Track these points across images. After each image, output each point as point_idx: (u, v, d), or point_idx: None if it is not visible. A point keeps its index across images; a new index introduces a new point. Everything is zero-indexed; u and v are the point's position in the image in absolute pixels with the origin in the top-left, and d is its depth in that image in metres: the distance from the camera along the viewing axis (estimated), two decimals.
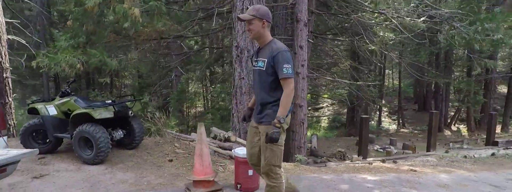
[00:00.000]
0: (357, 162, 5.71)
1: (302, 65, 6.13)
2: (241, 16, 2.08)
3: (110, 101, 3.82)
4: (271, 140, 1.92)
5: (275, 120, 1.95)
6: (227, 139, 4.39)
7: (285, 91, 2.00)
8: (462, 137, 13.20)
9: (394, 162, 5.62)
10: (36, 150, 2.54)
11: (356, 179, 3.74)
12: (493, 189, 3.63)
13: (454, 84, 15.24)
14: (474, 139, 12.35)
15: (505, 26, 7.51)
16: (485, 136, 10.15)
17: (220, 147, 4.27)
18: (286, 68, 1.98)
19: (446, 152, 7.20)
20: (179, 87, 11.10)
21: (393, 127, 16.93)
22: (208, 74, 13.89)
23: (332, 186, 3.41)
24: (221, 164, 3.79)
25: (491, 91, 14.39)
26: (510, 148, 7.69)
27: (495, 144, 8.58)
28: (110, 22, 5.64)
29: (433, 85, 15.86)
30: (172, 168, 3.65)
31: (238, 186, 2.98)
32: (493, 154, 6.34)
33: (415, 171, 4.49)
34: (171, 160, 3.86)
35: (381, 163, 5.35)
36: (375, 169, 4.50)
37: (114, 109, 3.50)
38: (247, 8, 4.65)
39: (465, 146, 9.62)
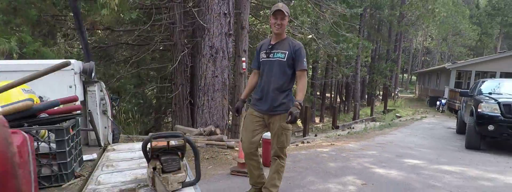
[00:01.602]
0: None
1: (246, 67, 6.91)
2: (284, 11, 2.25)
3: None
4: (295, 119, 2.14)
5: (297, 103, 2.16)
6: (212, 133, 4.73)
7: (303, 80, 2.30)
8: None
9: (303, 142, 7.13)
10: None
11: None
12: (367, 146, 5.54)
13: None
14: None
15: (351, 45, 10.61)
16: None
17: (210, 140, 4.59)
18: (305, 61, 2.31)
19: (315, 135, 9.59)
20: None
21: None
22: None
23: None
24: (226, 153, 4.19)
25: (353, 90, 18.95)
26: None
27: (337, 127, 12.00)
28: None
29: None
30: None
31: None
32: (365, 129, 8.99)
33: (332, 144, 6.11)
34: None
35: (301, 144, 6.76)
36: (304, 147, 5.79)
37: None
38: (225, 13, 5.15)
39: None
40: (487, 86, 7.49)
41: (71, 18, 6.17)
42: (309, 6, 7.25)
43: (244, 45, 6.84)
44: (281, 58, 2.28)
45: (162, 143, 1.21)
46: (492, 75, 15.43)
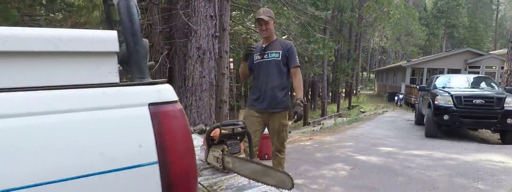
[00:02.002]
0: None
1: (227, 67, 7.16)
2: (265, 18, 2.38)
3: None
4: (301, 117, 2.34)
5: (298, 101, 2.32)
6: (202, 131, 4.94)
7: (298, 77, 2.46)
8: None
9: None
10: None
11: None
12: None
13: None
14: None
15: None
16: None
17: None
18: (297, 58, 2.47)
19: (289, 132, 10.19)
20: None
21: None
22: None
23: None
24: None
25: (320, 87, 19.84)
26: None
27: (308, 124, 12.74)
28: None
29: None
30: None
31: (265, 156, 3.90)
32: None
33: (311, 138, 6.62)
34: None
35: None
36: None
37: None
38: (211, 15, 5.36)
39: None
40: (440, 81, 8.46)
41: (47, 18, 5.99)
42: (285, 9, 7.69)
43: (226, 46, 7.08)
44: (276, 57, 2.42)
45: (225, 130, 1.47)
46: (441, 72, 17.10)
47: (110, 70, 0.71)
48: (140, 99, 0.72)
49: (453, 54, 17.18)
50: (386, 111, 14.34)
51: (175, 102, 0.77)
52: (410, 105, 15.62)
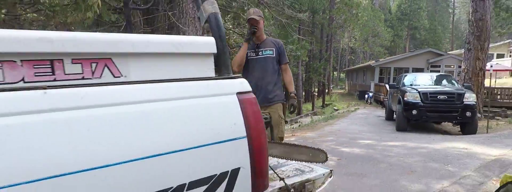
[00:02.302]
0: None
1: None
2: (256, 18, 2.53)
3: None
4: (296, 108, 2.82)
5: (292, 94, 2.61)
6: None
7: (289, 72, 2.68)
8: None
9: None
10: None
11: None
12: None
13: None
14: None
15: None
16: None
17: None
18: (286, 55, 2.72)
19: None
20: None
21: None
22: None
23: None
24: None
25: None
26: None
27: (286, 122, 13.19)
28: None
29: None
30: None
31: None
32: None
33: (294, 134, 6.97)
34: None
35: None
36: None
37: None
38: (199, 17, 5.51)
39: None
40: (408, 79, 9.16)
41: (26, 19, 5.83)
42: (266, 10, 7.98)
43: None
44: (270, 54, 2.60)
45: None
46: (406, 70, 18.27)
47: (209, 67, 0.93)
48: (230, 89, 0.95)
49: (416, 54, 18.43)
50: (358, 109, 15.12)
51: (250, 92, 1.00)
52: (379, 103, 16.55)
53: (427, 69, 17.92)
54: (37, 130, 0.64)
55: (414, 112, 7.31)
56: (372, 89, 18.43)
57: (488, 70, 9.65)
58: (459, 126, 7.89)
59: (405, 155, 4.04)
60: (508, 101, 13.81)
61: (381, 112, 12.40)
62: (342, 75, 43.42)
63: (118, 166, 0.71)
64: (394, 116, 8.81)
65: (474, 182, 2.98)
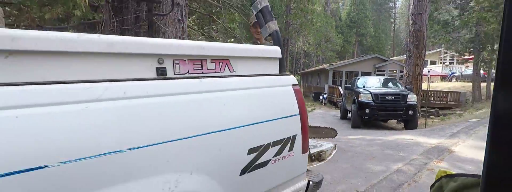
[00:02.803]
0: None
1: None
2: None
3: None
4: None
5: None
6: None
7: None
8: None
9: None
10: None
11: None
12: None
13: None
14: None
15: None
16: None
17: None
18: None
19: None
20: None
21: None
22: None
23: None
24: None
25: None
26: None
27: None
28: None
29: None
30: None
31: None
32: None
33: None
34: None
35: None
36: None
37: None
38: (179, 19, 5.74)
39: None
40: (360, 82, 10.24)
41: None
42: (236, 14, 8.40)
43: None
44: None
45: None
46: (356, 74, 19.94)
47: (276, 67, 1.37)
48: (288, 82, 1.39)
49: (365, 59, 20.21)
50: (314, 109, 16.19)
51: (297, 84, 1.45)
52: (333, 104, 17.85)
53: (374, 73, 19.74)
54: (198, 103, 1.03)
55: (367, 110, 8.29)
56: (326, 91, 19.76)
57: (426, 75, 11.12)
58: (402, 123, 9.09)
59: (366, 145, 4.76)
60: (439, 102, 15.88)
61: (336, 112, 13.50)
62: (297, 77, 45.31)
63: (240, 128, 1.11)
64: (349, 115, 9.81)
65: (421, 162, 3.74)
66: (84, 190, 0.75)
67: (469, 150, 4.33)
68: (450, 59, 27.96)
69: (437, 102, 15.86)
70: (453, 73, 24.23)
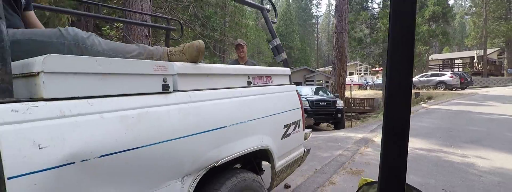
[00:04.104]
0: None
1: None
2: (242, 44, 4.16)
3: None
4: None
5: None
6: None
7: None
8: None
9: None
10: None
11: None
12: None
13: None
14: None
15: None
16: None
17: None
18: None
19: None
20: None
21: None
22: None
23: None
24: None
25: None
26: None
27: None
28: None
29: None
30: None
31: None
32: None
33: None
34: None
35: None
36: None
37: None
38: (146, 35, 6.24)
39: None
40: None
41: None
42: (190, 30, 9.10)
43: None
44: None
45: None
46: None
47: (287, 80, 2.32)
48: (293, 89, 2.35)
49: (296, 70, 22.41)
50: None
51: (296, 90, 2.43)
52: None
53: (304, 83, 22.03)
54: (262, 99, 1.91)
55: (305, 115, 9.72)
56: None
57: (349, 84, 13.24)
58: (332, 125, 10.81)
59: (312, 140, 5.96)
60: (358, 107, 18.60)
61: None
62: None
63: (280, 113, 2.03)
64: None
65: (354, 149, 5.04)
66: (238, 137, 1.59)
67: None
68: (364, 70, 32.52)
69: (356, 107, 18.53)
70: (367, 82, 28.27)
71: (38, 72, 0.87)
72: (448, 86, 19.89)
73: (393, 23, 0.52)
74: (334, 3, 14.71)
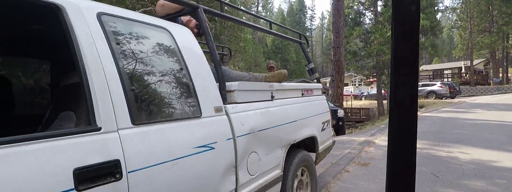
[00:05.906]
0: None
1: None
2: (273, 65, 5.82)
3: None
4: None
5: None
6: None
7: None
8: None
9: None
10: None
11: None
12: None
13: None
14: None
15: None
16: None
17: None
18: None
19: None
20: None
21: None
22: None
23: None
24: None
25: None
26: None
27: None
28: None
29: None
30: None
31: None
32: None
33: None
34: None
35: None
36: None
37: None
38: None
39: None
40: None
41: None
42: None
43: None
44: None
45: None
46: None
47: (320, 92, 3.35)
48: (324, 98, 3.38)
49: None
50: None
51: (326, 97, 3.45)
52: None
53: None
54: (309, 105, 2.92)
55: None
56: None
57: (349, 95, 14.34)
58: (334, 132, 11.83)
59: None
60: (355, 116, 19.71)
61: None
62: None
63: (319, 114, 3.04)
64: None
65: (359, 148, 6.04)
66: (301, 127, 2.59)
67: (383, 141, 6.87)
68: (359, 82, 33.89)
69: (353, 116, 19.63)
70: (362, 92, 29.55)
71: (234, 90, 1.88)
72: (438, 95, 21.16)
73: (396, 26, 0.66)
74: (327, 17, 15.96)
